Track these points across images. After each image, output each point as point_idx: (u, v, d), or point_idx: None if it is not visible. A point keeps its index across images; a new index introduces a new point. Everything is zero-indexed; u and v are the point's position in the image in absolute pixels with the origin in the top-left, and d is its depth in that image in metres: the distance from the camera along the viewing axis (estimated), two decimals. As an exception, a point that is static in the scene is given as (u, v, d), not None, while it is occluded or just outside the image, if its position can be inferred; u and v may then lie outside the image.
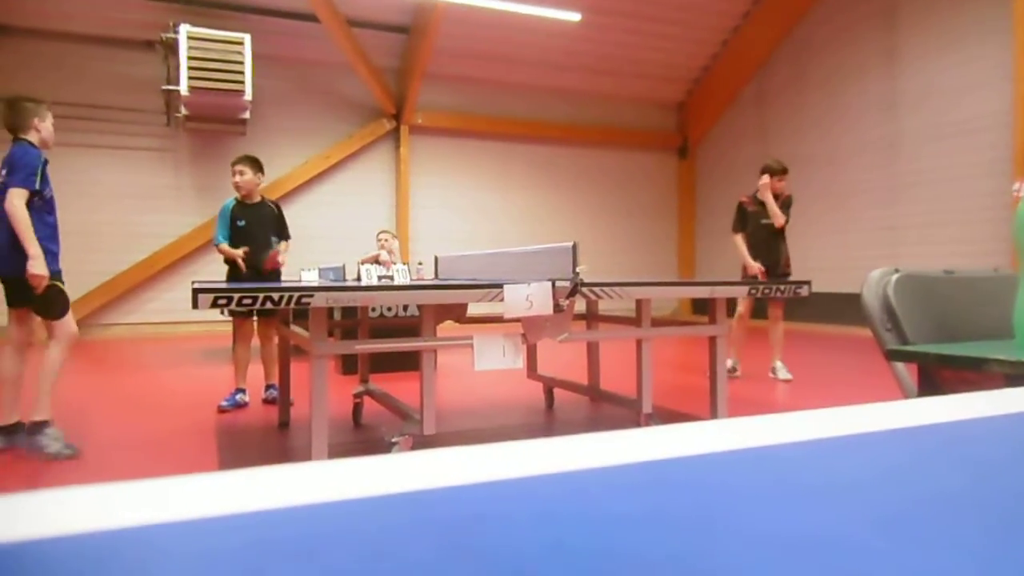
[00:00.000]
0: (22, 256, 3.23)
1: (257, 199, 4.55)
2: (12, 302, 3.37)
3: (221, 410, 4.31)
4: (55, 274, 3.32)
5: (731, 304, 3.49)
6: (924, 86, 8.97)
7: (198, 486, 0.35)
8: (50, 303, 3.33)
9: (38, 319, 3.41)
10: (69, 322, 3.38)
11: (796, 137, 10.95)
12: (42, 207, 3.34)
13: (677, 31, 11.56)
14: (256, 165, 4.56)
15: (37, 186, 3.29)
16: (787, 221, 5.40)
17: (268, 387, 4.59)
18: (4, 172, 3.31)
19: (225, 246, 4.40)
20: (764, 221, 5.40)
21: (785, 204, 5.43)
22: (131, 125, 9.39)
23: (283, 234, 4.63)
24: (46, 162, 3.41)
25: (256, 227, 4.43)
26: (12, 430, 3.34)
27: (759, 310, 5.48)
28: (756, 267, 5.36)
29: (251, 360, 4.51)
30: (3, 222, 3.27)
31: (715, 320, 3.36)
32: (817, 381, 5.11)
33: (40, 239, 3.24)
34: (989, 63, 8.14)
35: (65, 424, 3.98)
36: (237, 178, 4.48)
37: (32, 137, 3.41)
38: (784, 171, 5.45)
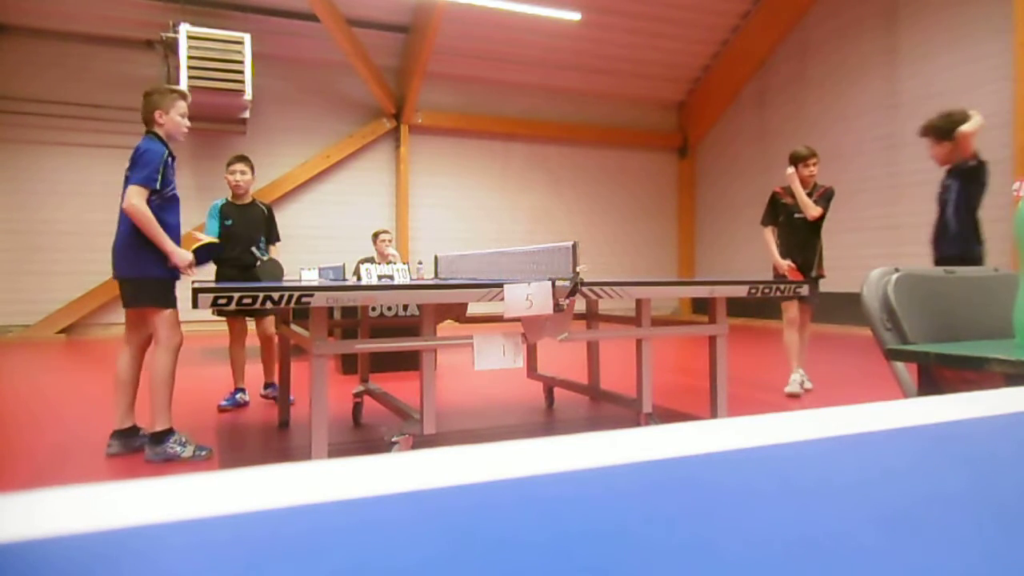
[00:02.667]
0: (136, 257, 3.16)
1: (248, 200, 4.54)
2: (128, 303, 3.28)
3: (221, 410, 4.31)
4: (163, 278, 3.22)
5: (731, 305, 3.46)
6: (924, 86, 8.97)
7: (198, 486, 0.35)
8: (150, 297, 3.23)
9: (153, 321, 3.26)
10: (174, 329, 3.25)
11: (796, 137, 10.93)
12: (160, 205, 3.21)
13: (677, 31, 11.56)
14: (251, 165, 4.56)
15: (158, 185, 3.17)
16: (824, 215, 4.79)
17: (266, 386, 4.60)
18: (127, 167, 3.20)
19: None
20: (798, 215, 4.83)
21: (825, 197, 4.80)
22: (131, 124, 9.35)
23: (272, 236, 4.61)
24: (172, 158, 3.29)
25: (244, 227, 4.41)
26: (127, 434, 3.26)
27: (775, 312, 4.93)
28: (785, 265, 4.83)
29: (249, 360, 4.51)
30: (121, 221, 3.18)
31: (715, 320, 3.36)
32: (817, 380, 5.11)
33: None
34: (989, 63, 8.14)
35: (65, 423, 3.99)
36: (238, 177, 4.45)
37: (158, 131, 3.31)
38: (811, 155, 4.84)
